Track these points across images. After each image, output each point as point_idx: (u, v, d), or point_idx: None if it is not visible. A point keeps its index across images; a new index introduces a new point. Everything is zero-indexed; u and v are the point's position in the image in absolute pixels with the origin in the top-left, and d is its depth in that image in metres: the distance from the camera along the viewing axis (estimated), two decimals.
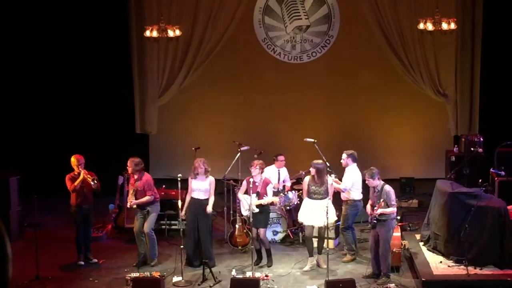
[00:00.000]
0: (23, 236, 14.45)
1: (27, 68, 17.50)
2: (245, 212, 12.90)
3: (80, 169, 12.67)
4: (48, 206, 15.16)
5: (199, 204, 12.53)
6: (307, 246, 12.61)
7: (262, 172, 12.88)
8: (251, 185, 12.13)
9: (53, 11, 17.36)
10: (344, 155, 12.92)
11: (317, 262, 12.61)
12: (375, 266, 11.88)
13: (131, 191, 12.86)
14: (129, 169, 12.91)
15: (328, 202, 12.13)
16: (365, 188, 12.62)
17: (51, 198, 15.26)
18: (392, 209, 11.57)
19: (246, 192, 12.68)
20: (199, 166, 12.45)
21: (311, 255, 12.55)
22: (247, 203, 12.63)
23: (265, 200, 12.56)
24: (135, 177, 12.83)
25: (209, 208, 12.50)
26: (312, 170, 12.48)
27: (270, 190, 12.78)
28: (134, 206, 12.79)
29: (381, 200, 11.47)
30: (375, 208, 11.51)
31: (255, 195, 12.53)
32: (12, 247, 2.20)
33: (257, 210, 12.52)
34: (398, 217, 12.65)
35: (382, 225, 11.60)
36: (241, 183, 13.48)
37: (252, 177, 12.52)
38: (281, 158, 14.26)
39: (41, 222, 14.34)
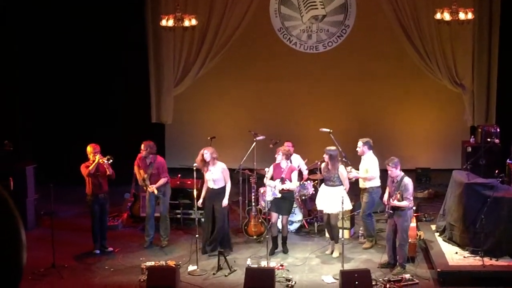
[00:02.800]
0: (39, 224, 14.54)
1: (44, 56, 17.55)
2: (270, 198, 12.86)
3: (96, 156, 12.76)
4: (64, 194, 15.22)
5: (213, 193, 12.62)
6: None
7: (287, 159, 12.89)
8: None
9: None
10: (360, 143, 12.93)
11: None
12: (391, 255, 11.87)
13: (144, 176, 13.02)
14: (143, 153, 13.09)
15: (342, 191, 12.15)
16: (382, 176, 12.61)
17: (67, 187, 15.32)
18: (406, 203, 11.50)
19: (273, 178, 12.74)
20: (202, 156, 12.49)
21: (332, 239, 12.63)
22: (272, 189, 12.66)
23: (286, 186, 12.58)
24: (148, 161, 12.99)
25: (225, 201, 12.53)
26: (325, 157, 12.53)
27: (294, 177, 12.79)
28: (149, 190, 12.96)
29: (397, 192, 11.44)
30: (392, 199, 11.49)
31: (279, 180, 12.57)
32: (28, 236, 2.22)
33: (279, 195, 12.56)
34: (414, 208, 12.64)
35: (399, 215, 11.57)
36: (257, 173, 13.53)
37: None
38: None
39: (57, 211, 14.41)
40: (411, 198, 11.66)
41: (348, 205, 12.51)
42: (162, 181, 13.08)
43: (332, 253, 12.67)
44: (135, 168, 13.38)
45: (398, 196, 11.41)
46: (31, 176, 14.48)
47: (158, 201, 13.28)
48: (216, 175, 12.55)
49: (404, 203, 11.48)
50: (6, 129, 16.22)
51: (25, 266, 2.06)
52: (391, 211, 11.60)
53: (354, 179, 12.97)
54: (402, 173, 11.72)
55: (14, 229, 2.04)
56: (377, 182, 12.84)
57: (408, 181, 11.59)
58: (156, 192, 13.05)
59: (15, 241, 2.03)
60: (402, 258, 11.67)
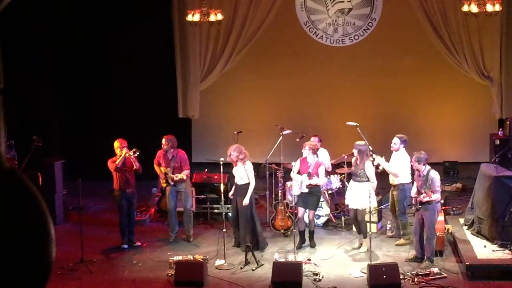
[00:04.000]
0: (67, 219, 14.66)
1: (72, 53, 17.65)
2: (296, 192, 12.85)
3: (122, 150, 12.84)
4: (92, 190, 15.31)
5: (239, 189, 12.68)
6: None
7: (314, 153, 12.88)
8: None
9: None
10: (397, 140, 12.82)
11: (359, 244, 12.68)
12: (419, 249, 11.83)
13: (166, 170, 13.11)
14: (165, 147, 13.22)
15: (369, 187, 12.11)
16: (413, 171, 12.57)
17: (95, 182, 15.40)
18: (437, 196, 11.50)
19: (299, 172, 12.75)
20: (229, 155, 12.54)
21: (359, 233, 12.61)
22: (298, 183, 12.66)
23: (313, 181, 12.57)
24: (170, 155, 13.19)
25: (246, 200, 12.49)
26: (355, 151, 12.50)
27: (322, 172, 12.78)
28: (177, 178, 13.08)
29: (426, 187, 11.39)
30: (423, 195, 11.43)
31: (306, 175, 12.57)
32: (57, 231, 2.25)
33: (306, 190, 12.57)
34: (442, 201, 12.60)
35: (426, 209, 11.54)
36: (283, 167, 13.55)
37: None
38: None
39: (85, 206, 14.52)
40: (439, 190, 11.64)
41: (374, 203, 12.46)
42: (185, 173, 13.18)
43: (359, 247, 12.64)
44: (155, 166, 13.42)
45: (429, 192, 11.37)
46: (59, 171, 14.61)
47: (180, 197, 13.36)
48: (240, 173, 12.58)
49: (434, 196, 11.45)
50: (35, 124, 16.32)
51: (54, 261, 2.08)
52: (419, 206, 11.57)
53: (380, 167, 12.84)
54: (428, 167, 11.68)
55: (43, 224, 2.05)
56: (407, 178, 12.73)
57: (434, 175, 11.56)
58: (184, 177, 13.11)
59: (44, 236, 2.05)
60: (429, 252, 11.63)
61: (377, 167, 12.78)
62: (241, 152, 12.53)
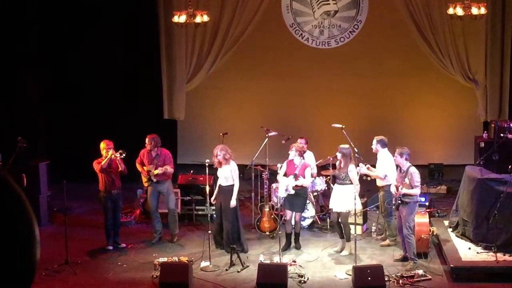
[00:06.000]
0: (52, 221, 14.62)
1: (56, 52, 17.60)
2: (282, 194, 12.85)
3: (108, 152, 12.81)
4: (77, 191, 15.28)
5: (223, 191, 12.65)
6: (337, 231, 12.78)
7: (301, 155, 12.89)
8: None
9: None
10: (374, 141, 12.89)
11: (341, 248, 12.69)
12: (405, 249, 11.88)
13: (149, 167, 13.11)
14: (148, 146, 13.22)
15: (352, 190, 12.11)
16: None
17: (80, 184, 15.38)
18: (416, 191, 11.57)
19: (286, 174, 12.75)
20: (216, 155, 12.52)
21: (341, 237, 12.62)
22: (284, 186, 12.66)
23: (300, 182, 12.58)
24: (154, 154, 13.22)
25: (233, 202, 12.49)
26: (338, 155, 12.51)
27: (308, 173, 12.79)
28: (158, 171, 13.05)
29: (406, 180, 11.47)
30: (400, 187, 11.50)
31: (292, 177, 12.58)
32: (41, 232, 2.24)
33: (293, 192, 12.57)
34: (422, 199, 12.71)
35: (404, 206, 11.60)
36: (269, 169, 13.55)
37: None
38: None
39: (70, 207, 14.47)
40: (419, 186, 11.70)
41: (359, 205, 12.49)
42: (168, 170, 13.20)
43: (341, 250, 12.63)
44: (137, 165, 13.39)
45: (407, 182, 11.44)
46: (44, 172, 14.54)
47: (162, 198, 13.36)
48: (226, 174, 12.56)
49: (413, 191, 11.52)
50: (19, 125, 16.27)
51: (39, 262, 2.07)
52: (399, 201, 11.63)
53: (365, 177, 12.95)
54: (409, 164, 11.74)
55: (28, 225, 2.05)
56: (393, 180, 12.76)
57: (414, 170, 11.66)
58: (168, 169, 13.12)
59: (29, 237, 2.04)
60: (410, 252, 11.67)
61: (366, 176, 12.83)
62: (227, 152, 12.53)
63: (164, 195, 13.34)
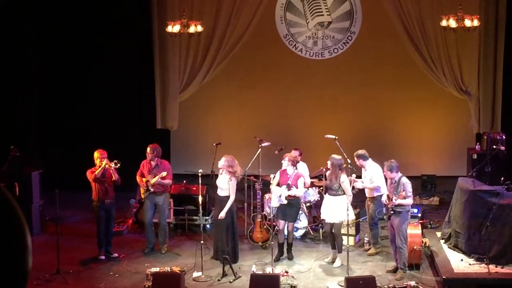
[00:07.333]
0: (44, 230, 14.57)
1: (50, 63, 17.59)
2: (275, 204, 12.83)
3: (103, 161, 12.81)
4: (69, 200, 15.25)
5: (219, 201, 12.66)
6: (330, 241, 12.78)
7: (294, 166, 12.90)
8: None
9: (78, 7, 17.45)
10: (355, 158, 12.95)
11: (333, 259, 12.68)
12: (397, 259, 11.90)
13: (147, 177, 13.10)
14: (149, 155, 13.20)
15: (345, 200, 12.12)
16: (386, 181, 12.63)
17: (72, 193, 15.35)
18: (409, 201, 11.64)
19: (279, 184, 12.75)
20: (220, 164, 12.53)
21: (333, 248, 12.61)
22: (277, 196, 12.66)
23: (293, 192, 12.58)
24: (154, 163, 13.23)
25: (222, 214, 12.44)
26: (329, 164, 12.53)
27: (301, 183, 12.79)
28: (157, 178, 13.06)
29: (400, 191, 11.49)
30: (394, 198, 11.52)
31: (285, 186, 12.58)
32: (33, 241, 2.23)
33: (285, 202, 12.57)
34: (415, 210, 12.74)
35: (396, 216, 11.63)
36: (262, 179, 13.55)
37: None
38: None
39: (62, 216, 14.43)
40: (411, 195, 11.74)
41: (352, 215, 12.51)
42: (166, 181, 13.23)
43: (333, 262, 12.62)
44: (138, 177, 13.36)
45: (401, 195, 11.47)
46: (36, 181, 14.50)
47: (157, 210, 13.35)
48: (222, 184, 12.55)
49: (406, 201, 11.56)
50: (12, 134, 16.24)
51: (30, 271, 2.07)
52: (391, 212, 11.65)
53: (357, 189, 12.99)
54: (400, 174, 11.77)
55: (20, 234, 2.05)
56: (383, 190, 12.81)
57: (406, 180, 11.71)
58: (164, 175, 13.08)
59: (21, 246, 2.04)
60: (401, 262, 11.69)
61: (353, 187, 12.86)
62: (233, 166, 12.47)
63: (160, 208, 13.30)
